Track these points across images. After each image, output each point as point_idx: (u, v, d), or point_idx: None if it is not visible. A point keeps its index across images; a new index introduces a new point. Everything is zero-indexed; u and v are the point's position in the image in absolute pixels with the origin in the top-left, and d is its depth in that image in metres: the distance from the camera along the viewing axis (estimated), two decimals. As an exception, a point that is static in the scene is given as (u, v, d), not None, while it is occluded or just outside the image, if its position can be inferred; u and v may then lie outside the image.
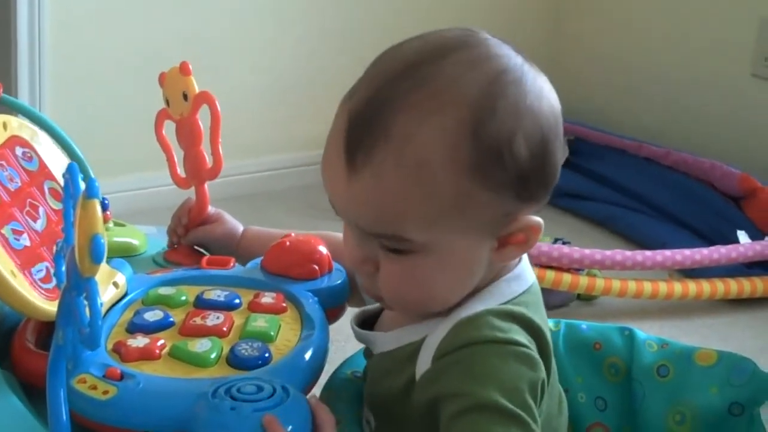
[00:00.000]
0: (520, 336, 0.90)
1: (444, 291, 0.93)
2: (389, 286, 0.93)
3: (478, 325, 0.90)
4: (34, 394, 0.98)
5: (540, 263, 2.38)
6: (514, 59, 0.90)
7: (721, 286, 2.51)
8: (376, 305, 1.07)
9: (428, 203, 0.86)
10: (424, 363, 0.92)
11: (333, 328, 1.08)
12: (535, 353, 0.90)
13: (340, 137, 0.88)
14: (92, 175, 1.22)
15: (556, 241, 2.51)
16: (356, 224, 0.90)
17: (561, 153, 0.92)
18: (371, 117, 0.86)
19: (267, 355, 0.98)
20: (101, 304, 0.84)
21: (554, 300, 2.46)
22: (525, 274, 0.98)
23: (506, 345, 0.89)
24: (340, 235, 1.15)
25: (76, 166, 0.76)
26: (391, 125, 0.85)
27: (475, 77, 0.86)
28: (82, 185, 0.74)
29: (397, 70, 0.87)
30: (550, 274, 2.38)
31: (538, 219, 0.92)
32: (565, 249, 2.40)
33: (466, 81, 0.86)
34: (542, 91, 0.90)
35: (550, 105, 0.90)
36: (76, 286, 0.74)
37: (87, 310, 0.74)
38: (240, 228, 1.31)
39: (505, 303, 0.94)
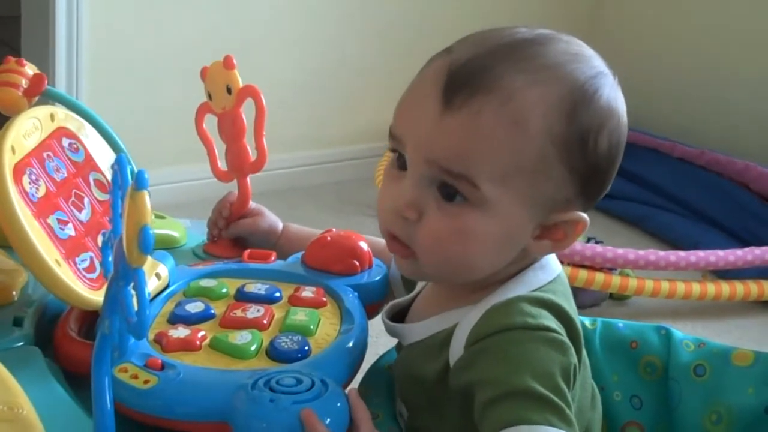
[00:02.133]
0: (551, 322, 0.91)
1: (481, 256, 0.93)
2: (431, 237, 0.93)
3: (510, 311, 0.92)
4: (76, 382, 0.99)
5: (573, 262, 2.38)
6: (607, 68, 0.96)
7: (754, 288, 2.51)
8: (407, 298, 1.08)
9: (511, 158, 0.89)
10: (457, 349, 0.93)
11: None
12: (565, 338, 0.91)
13: (437, 80, 0.91)
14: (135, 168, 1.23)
15: (589, 240, 2.51)
16: (429, 161, 0.91)
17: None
18: (478, 68, 0.89)
19: (306, 348, 0.98)
20: (148, 294, 0.85)
21: (587, 299, 2.46)
22: (551, 264, 1.00)
23: (537, 331, 0.90)
24: (374, 238, 1.17)
25: (125, 158, 0.77)
26: (498, 79, 0.89)
27: (579, 67, 0.92)
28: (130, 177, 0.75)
29: (507, 42, 0.92)
30: (583, 274, 2.38)
31: (585, 215, 0.95)
32: (598, 248, 2.40)
33: (572, 67, 0.91)
34: (624, 104, 0.96)
35: (625, 118, 0.97)
36: (124, 275, 0.75)
37: (134, 299, 0.75)
38: (280, 224, 1.32)
39: (535, 290, 0.95)
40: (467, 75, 0.89)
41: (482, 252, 0.93)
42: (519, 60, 0.90)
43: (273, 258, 1.19)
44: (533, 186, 0.90)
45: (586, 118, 0.90)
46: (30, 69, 1.20)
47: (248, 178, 1.32)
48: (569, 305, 0.96)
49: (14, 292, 1.12)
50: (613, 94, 0.94)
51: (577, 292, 2.45)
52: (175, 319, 1.03)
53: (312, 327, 1.02)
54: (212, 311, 1.05)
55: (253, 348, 0.98)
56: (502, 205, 0.90)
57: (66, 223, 1.05)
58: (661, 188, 3.09)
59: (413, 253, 0.95)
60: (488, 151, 0.88)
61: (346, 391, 0.94)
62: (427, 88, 0.91)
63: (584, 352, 0.98)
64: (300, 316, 1.04)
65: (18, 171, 1.02)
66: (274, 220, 1.32)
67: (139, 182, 0.71)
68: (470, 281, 0.96)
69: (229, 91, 1.27)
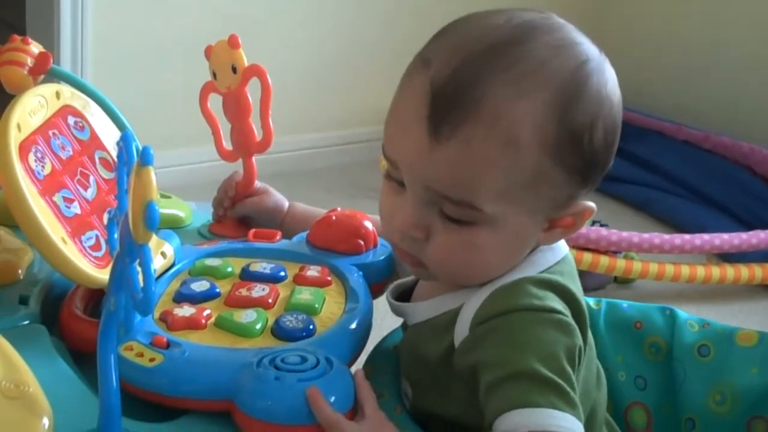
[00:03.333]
0: (556, 303, 0.91)
1: (493, 264, 0.94)
2: (441, 255, 0.93)
3: (515, 292, 0.92)
4: (82, 360, 0.99)
5: (578, 245, 2.38)
6: (593, 48, 0.93)
7: (759, 271, 2.51)
8: (411, 278, 1.08)
9: (508, 176, 0.88)
10: (462, 330, 0.93)
11: (372, 303, 1.09)
12: (571, 319, 0.91)
13: (420, 105, 0.88)
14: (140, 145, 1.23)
15: (594, 223, 2.51)
16: (427, 187, 0.90)
17: None
18: (459, 89, 0.87)
19: (311, 327, 0.99)
20: (154, 270, 0.85)
21: (591, 282, 2.46)
22: (559, 245, 1.00)
23: (543, 312, 0.90)
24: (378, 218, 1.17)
25: (130, 134, 0.77)
26: (482, 100, 0.86)
27: (562, 62, 0.89)
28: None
29: (484, 47, 0.88)
30: (588, 257, 2.39)
31: (591, 203, 0.95)
32: (603, 231, 2.40)
33: (554, 65, 0.88)
34: (615, 82, 0.93)
35: (618, 96, 0.94)
36: (129, 252, 0.74)
37: (140, 276, 0.75)
38: (286, 203, 1.32)
39: (541, 272, 0.95)
40: (450, 100, 0.87)
41: (493, 261, 0.94)
42: (500, 70, 0.87)
43: (278, 237, 1.19)
44: (535, 195, 0.90)
45: (576, 117, 0.88)
46: (35, 48, 1.20)
47: (253, 160, 1.32)
48: (575, 286, 0.96)
49: (20, 271, 1.12)
50: (601, 79, 0.91)
51: (581, 275, 2.42)
52: (180, 298, 1.03)
53: (317, 306, 1.02)
54: (217, 290, 1.05)
55: (258, 327, 0.98)
56: (508, 219, 0.90)
57: (72, 201, 1.05)
58: (665, 171, 3.09)
59: (423, 263, 0.95)
60: (485, 175, 0.88)
61: (351, 370, 0.94)
62: (411, 114, 0.89)
63: (589, 333, 0.98)
64: (305, 295, 1.04)
65: (24, 149, 1.02)
66: (279, 198, 1.32)
67: (145, 158, 0.71)
68: (488, 280, 0.96)
69: (234, 70, 1.27)
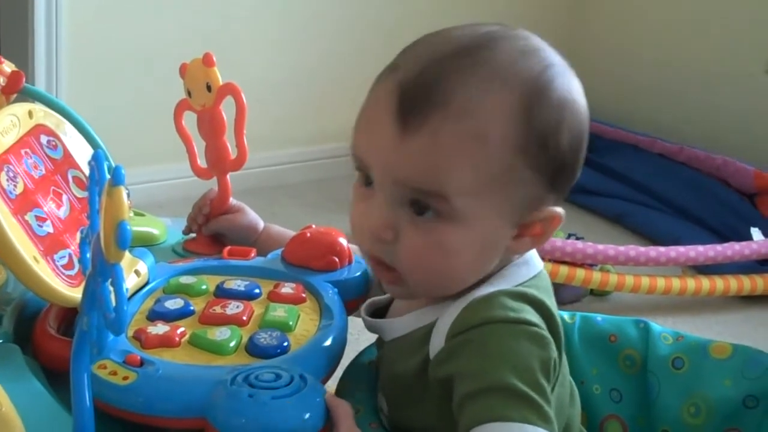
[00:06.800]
0: (532, 316, 0.91)
1: (462, 267, 0.94)
2: (410, 254, 0.93)
3: (491, 304, 0.92)
4: (55, 379, 0.99)
5: (554, 258, 2.39)
6: (555, 55, 0.94)
7: (734, 283, 2.52)
8: (387, 296, 1.08)
9: (477, 170, 0.88)
10: (437, 343, 0.93)
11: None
12: (546, 332, 0.91)
13: (390, 102, 0.90)
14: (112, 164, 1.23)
15: (569, 236, 2.52)
16: (397, 182, 0.91)
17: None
18: (428, 85, 0.88)
19: (285, 344, 0.98)
20: (126, 290, 0.85)
21: (567, 295, 2.47)
22: (533, 260, 1.00)
23: (518, 324, 0.90)
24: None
25: (102, 153, 0.77)
26: (450, 95, 0.88)
27: (527, 64, 0.91)
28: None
29: (452, 50, 0.90)
30: (564, 270, 2.39)
31: (560, 209, 0.95)
32: (579, 244, 2.41)
33: (520, 67, 0.90)
34: (580, 90, 0.95)
35: (584, 104, 0.95)
36: (101, 272, 0.74)
37: (112, 295, 0.75)
38: (261, 222, 1.32)
39: (517, 286, 0.95)
40: (418, 94, 0.89)
41: (464, 262, 0.93)
42: (466, 69, 0.89)
43: (253, 255, 1.19)
44: (503, 193, 0.90)
45: (542, 118, 0.89)
46: (8, 66, 1.19)
47: (228, 176, 1.32)
48: (550, 301, 0.96)
49: (-8, 290, 1.12)
50: (565, 84, 0.92)
51: (558, 288, 2.46)
52: (154, 316, 1.03)
53: (291, 323, 1.02)
54: (192, 308, 1.05)
55: (232, 344, 0.97)
56: (476, 216, 0.90)
57: (44, 220, 1.05)
58: (641, 184, 3.11)
59: (399, 275, 0.95)
60: (454, 167, 0.88)
61: (326, 387, 0.94)
62: (381, 111, 0.91)
63: (563, 351, 0.99)
64: (279, 312, 1.04)
65: (-4, 168, 1.02)
66: (254, 217, 1.32)
67: (116, 178, 0.71)
68: (458, 290, 0.96)
69: (208, 88, 1.27)
